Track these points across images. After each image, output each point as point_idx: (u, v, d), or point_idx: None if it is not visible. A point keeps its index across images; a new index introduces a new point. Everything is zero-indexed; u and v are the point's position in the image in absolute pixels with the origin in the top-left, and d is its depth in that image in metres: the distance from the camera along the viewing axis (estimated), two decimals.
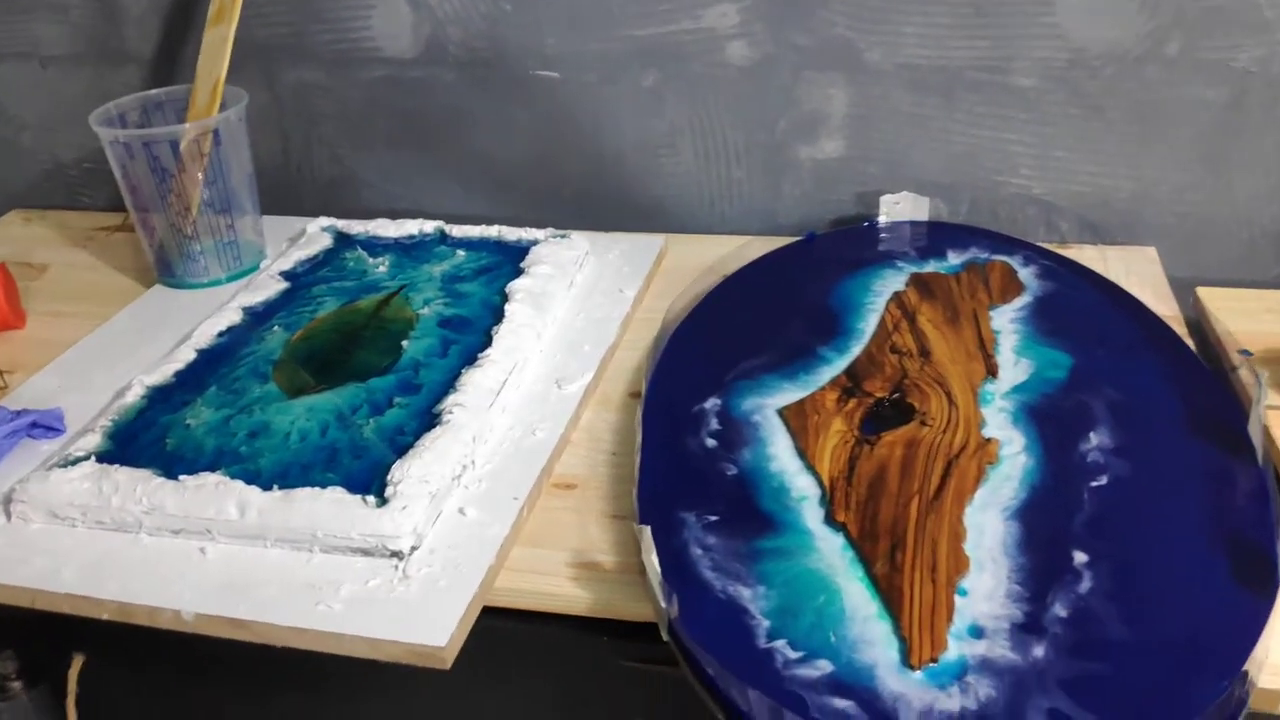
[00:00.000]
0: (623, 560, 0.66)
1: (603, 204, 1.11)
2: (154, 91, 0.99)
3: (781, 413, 0.74)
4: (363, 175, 1.15)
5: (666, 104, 1.05)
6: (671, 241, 1.03)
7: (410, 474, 0.67)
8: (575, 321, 0.89)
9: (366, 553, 0.65)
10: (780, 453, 0.70)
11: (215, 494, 0.67)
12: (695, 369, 0.80)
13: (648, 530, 0.60)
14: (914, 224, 0.99)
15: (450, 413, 0.73)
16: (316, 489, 0.67)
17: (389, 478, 0.68)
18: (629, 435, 0.77)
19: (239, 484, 0.67)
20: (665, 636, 0.60)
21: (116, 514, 0.68)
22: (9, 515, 0.70)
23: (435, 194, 1.14)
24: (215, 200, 0.95)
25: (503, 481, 0.71)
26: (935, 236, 0.96)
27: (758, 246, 1.02)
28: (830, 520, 0.64)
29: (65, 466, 0.71)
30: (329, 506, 0.66)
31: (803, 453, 0.70)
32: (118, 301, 0.99)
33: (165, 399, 0.79)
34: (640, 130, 1.07)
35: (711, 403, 0.76)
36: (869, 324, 0.84)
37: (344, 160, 1.15)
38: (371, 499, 0.66)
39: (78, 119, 1.00)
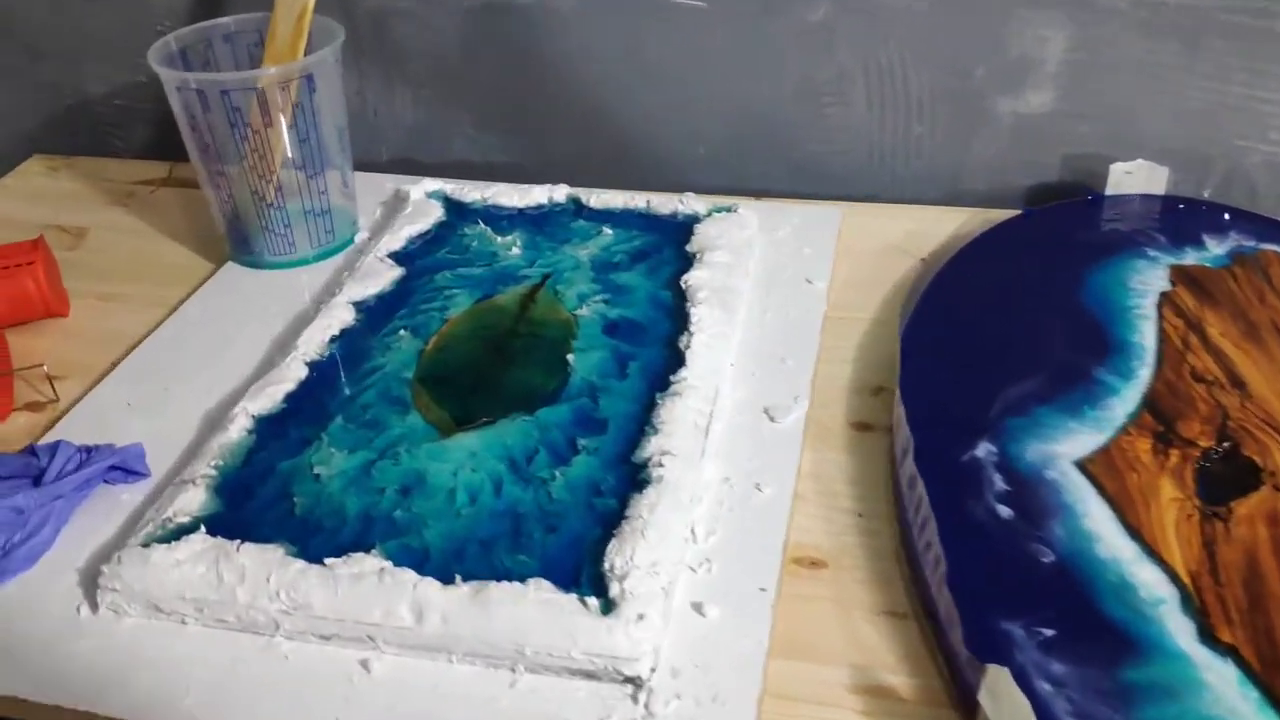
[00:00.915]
0: (922, 684, 0.50)
1: (746, 161, 0.93)
2: (223, 20, 0.80)
3: (1084, 467, 0.58)
4: (455, 123, 0.96)
5: (838, 42, 0.87)
6: (845, 212, 0.85)
7: (636, 561, 0.51)
8: (764, 325, 0.72)
9: (591, 675, 0.49)
10: (1102, 528, 0.54)
11: (380, 590, 0.50)
12: (946, 398, 0.63)
13: (1006, 674, 0.44)
14: (1147, 199, 0.82)
15: (660, 465, 0.57)
16: (515, 586, 0.50)
17: (607, 565, 0.51)
18: (868, 485, 0.61)
19: (408, 574, 0.51)
20: None
21: (244, 611, 0.51)
22: (95, 605, 0.53)
23: (544, 149, 0.96)
24: (305, 160, 0.76)
25: (737, 561, 0.55)
26: (1182, 217, 0.79)
27: (950, 222, 0.85)
28: (1210, 639, 0.49)
29: (166, 540, 0.54)
30: (537, 612, 0.49)
31: (1134, 530, 0.54)
32: (180, 281, 0.81)
33: (279, 433, 0.61)
34: (803, 73, 0.88)
35: (985, 450, 0.59)
36: (1147, 337, 0.67)
37: (431, 104, 0.96)
38: (592, 601, 0.49)
39: (109, 48, 0.81)
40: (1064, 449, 0.59)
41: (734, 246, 0.75)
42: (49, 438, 0.65)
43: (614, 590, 0.50)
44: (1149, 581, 0.51)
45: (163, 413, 0.66)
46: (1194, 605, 0.50)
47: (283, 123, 0.74)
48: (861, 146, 0.91)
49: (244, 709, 0.49)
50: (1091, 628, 0.50)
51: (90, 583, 0.54)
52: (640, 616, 0.49)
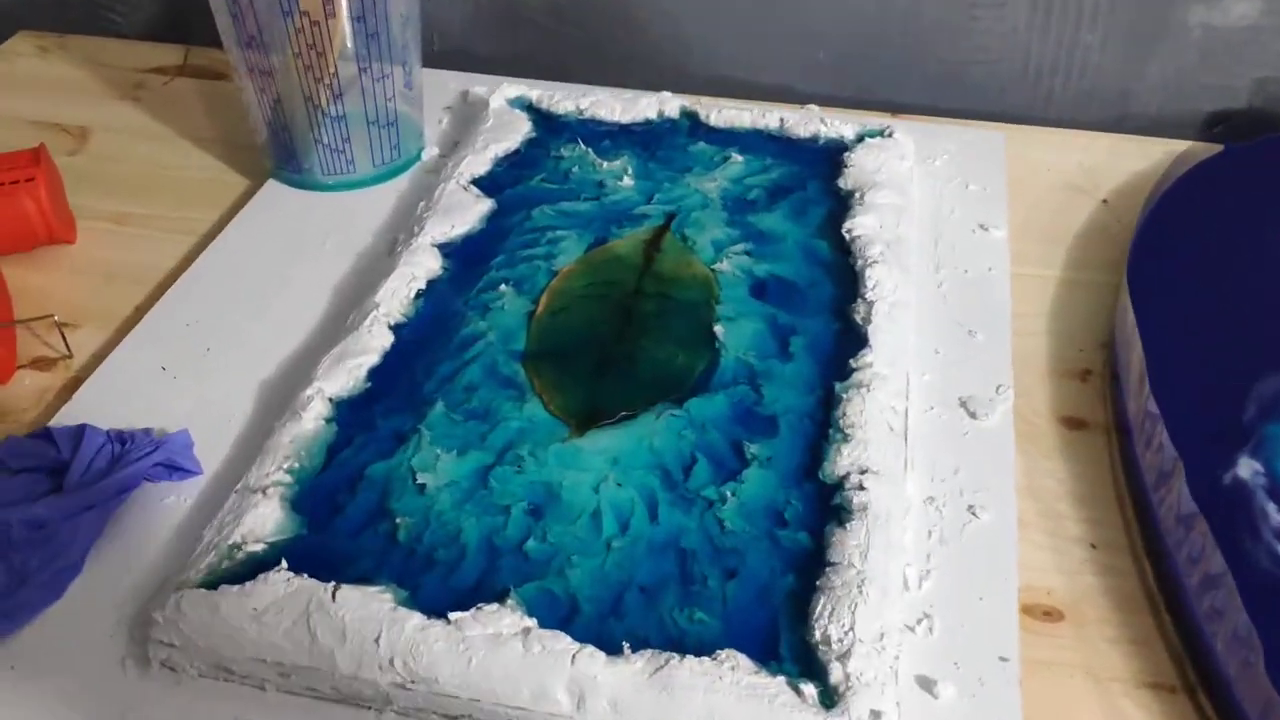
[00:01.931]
0: None
1: (873, 69, 0.79)
2: None
3: None
4: (523, 6, 0.80)
5: None
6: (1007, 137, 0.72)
7: (859, 633, 0.39)
8: (939, 282, 0.59)
9: None
10: None
11: (528, 662, 0.38)
12: (1195, 400, 0.51)
13: None
14: None
15: (861, 488, 0.44)
16: (705, 663, 0.38)
17: (818, 635, 0.39)
18: (1096, 505, 0.49)
19: (562, 641, 0.39)
20: None
21: (345, 683, 0.39)
22: (145, 661, 0.41)
23: (626, 47, 0.80)
24: (368, 56, 0.61)
25: (962, 618, 0.43)
26: None
27: (1126, 153, 0.72)
28: None
29: (237, 577, 0.41)
30: (739, 704, 0.37)
31: None
32: (208, 201, 0.67)
33: (364, 422, 0.48)
34: None
35: (1249, 468, 0.47)
36: None
37: None
38: (810, 690, 0.37)
39: None
40: None
41: (897, 183, 0.62)
42: (66, 409, 0.51)
43: (835, 674, 0.38)
44: None
45: (206, 381, 0.53)
46: None
47: (344, 8, 0.59)
48: (1016, 58, 0.77)
49: None
50: None
51: (136, 625, 0.42)
52: (875, 714, 0.37)
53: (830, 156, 0.64)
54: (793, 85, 0.79)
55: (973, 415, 0.51)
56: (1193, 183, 0.65)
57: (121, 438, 0.47)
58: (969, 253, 0.61)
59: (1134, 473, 0.49)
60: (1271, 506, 0.46)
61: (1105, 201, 0.68)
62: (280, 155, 0.65)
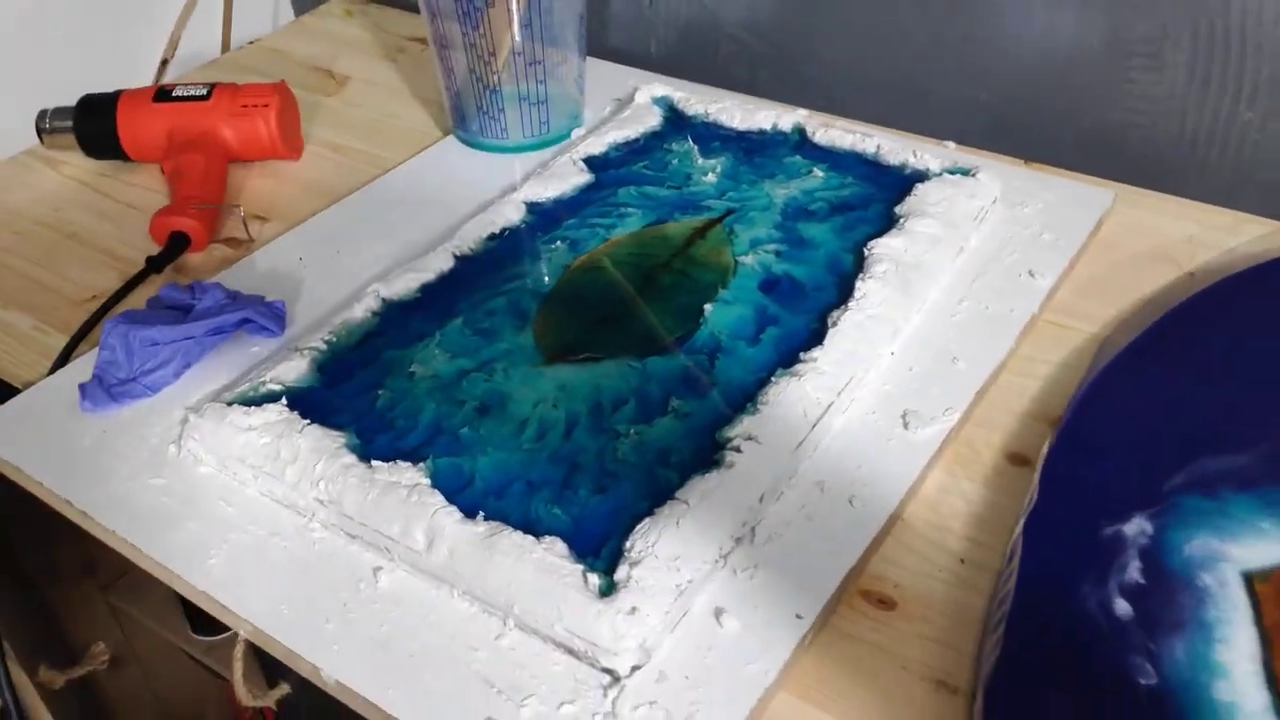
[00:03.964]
0: None
1: (1026, 120, 0.81)
2: None
3: (1252, 581, 0.46)
4: (727, 23, 0.90)
5: None
6: (1119, 197, 0.72)
7: (658, 550, 0.46)
8: (951, 314, 0.62)
9: (573, 653, 0.46)
10: (1236, 662, 0.43)
11: (403, 507, 0.49)
12: (1121, 452, 0.52)
13: None
14: None
15: (738, 450, 0.51)
16: (528, 540, 0.47)
17: (627, 545, 0.47)
18: (993, 532, 0.52)
19: (436, 500, 0.49)
20: None
21: (289, 491, 0.52)
22: (179, 448, 0.56)
23: (809, 73, 0.88)
24: (529, 46, 0.74)
25: (789, 576, 0.49)
26: None
27: (1250, 237, 0.69)
28: None
29: (251, 403, 0.55)
30: (534, 576, 0.46)
31: (1276, 679, 0.42)
32: (405, 145, 0.82)
33: (401, 322, 0.61)
34: (1111, 25, 0.75)
35: (1136, 527, 0.48)
36: None
37: (708, 6, 0.90)
38: (594, 579, 0.45)
39: None
40: (1239, 553, 0.47)
41: (952, 218, 0.65)
42: (225, 276, 0.68)
43: (621, 573, 0.46)
44: None
45: (324, 275, 0.68)
46: None
47: (512, 4, 0.72)
48: (1171, 123, 0.76)
49: (253, 582, 0.50)
50: None
51: (183, 431, 0.57)
52: (634, 610, 0.44)
53: (906, 185, 0.69)
54: (950, 126, 0.82)
55: (906, 426, 0.55)
56: (1274, 266, 0.64)
57: (233, 296, 0.63)
58: (1002, 294, 0.64)
59: None
60: (1136, 564, 0.47)
61: (1192, 274, 0.67)
62: (456, 116, 0.79)
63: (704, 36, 0.92)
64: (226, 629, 0.93)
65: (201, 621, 0.92)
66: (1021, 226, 0.69)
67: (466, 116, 0.78)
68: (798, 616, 0.47)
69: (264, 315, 0.62)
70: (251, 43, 0.99)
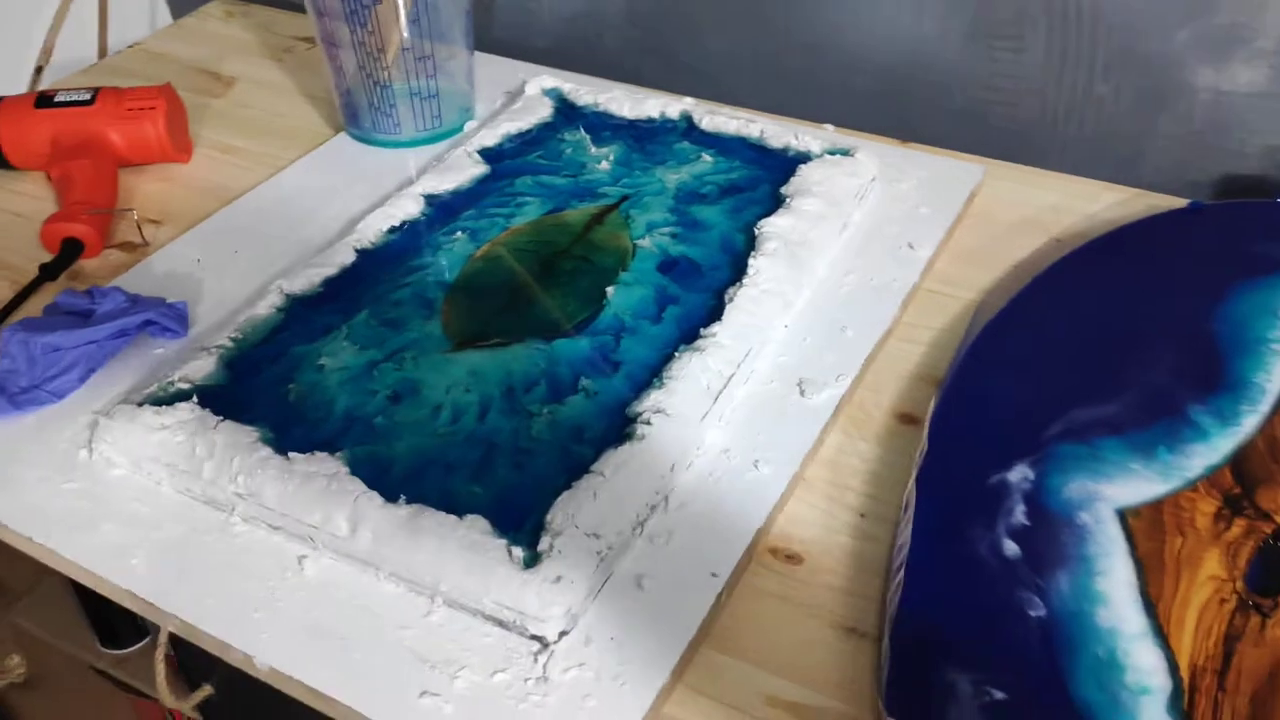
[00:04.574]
0: (852, 716, 0.46)
1: (899, 102, 0.85)
2: None
3: (1125, 516, 0.50)
4: (610, 15, 0.92)
5: None
6: (988, 171, 0.76)
7: (578, 521, 0.48)
8: (839, 286, 0.66)
9: (501, 624, 0.47)
10: (1115, 590, 0.47)
11: (326, 495, 0.50)
12: (1001, 407, 0.56)
13: None
14: None
15: (648, 423, 0.53)
16: (450, 519, 0.49)
17: (548, 518, 0.49)
18: (888, 487, 0.55)
19: (356, 486, 0.50)
20: None
21: (207, 487, 0.52)
22: (90, 452, 0.56)
23: (692, 62, 0.90)
24: (418, 42, 0.75)
25: (702, 538, 0.51)
26: None
27: (1106, 201, 0.74)
28: None
29: (161, 402, 0.55)
30: (460, 553, 0.47)
31: (1151, 602, 0.47)
32: (297, 143, 0.82)
33: (306, 317, 0.62)
34: (974, 9, 0.79)
35: (1019, 474, 0.52)
36: (1273, 379, 0.57)
37: None
38: (519, 552, 0.47)
39: None
40: (1112, 492, 0.51)
41: (834, 196, 0.69)
42: (123, 280, 0.68)
43: (544, 544, 0.48)
44: (1142, 665, 0.44)
45: (223, 275, 0.68)
46: (1182, 706, 0.43)
47: (399, 2, 0.73)
48: (1033, 102, 0.81)
49: (177, 578, 0.50)
50: (1054, 703, 0.43)
51: (94, 429, 0.57)
52: (559, 579, 0.46)
53: (790, 166, 0.72)
54: (827, 110, 0.86)
55: (802, 394, 0.59)
56: (1138, 229, 0.69)
57: (134, 299, 0.63)
58: (885, 266, 0.67)
59: None
60: (1020, 508, 0.51)
61: (1057, 240, 0.72)
62: (347, 114, 0.80)
63: (589, 28, 0.94)
64: (138, 640, 0.93)
65: (112, 634, 0.90)
66: (899, 202, 0.73)
67: (358, 113, 0.79)
68: (713, 575, 0.50)
69: (167, 316, 0.62)
70: (131, 47, 0.97)
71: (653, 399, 0.55)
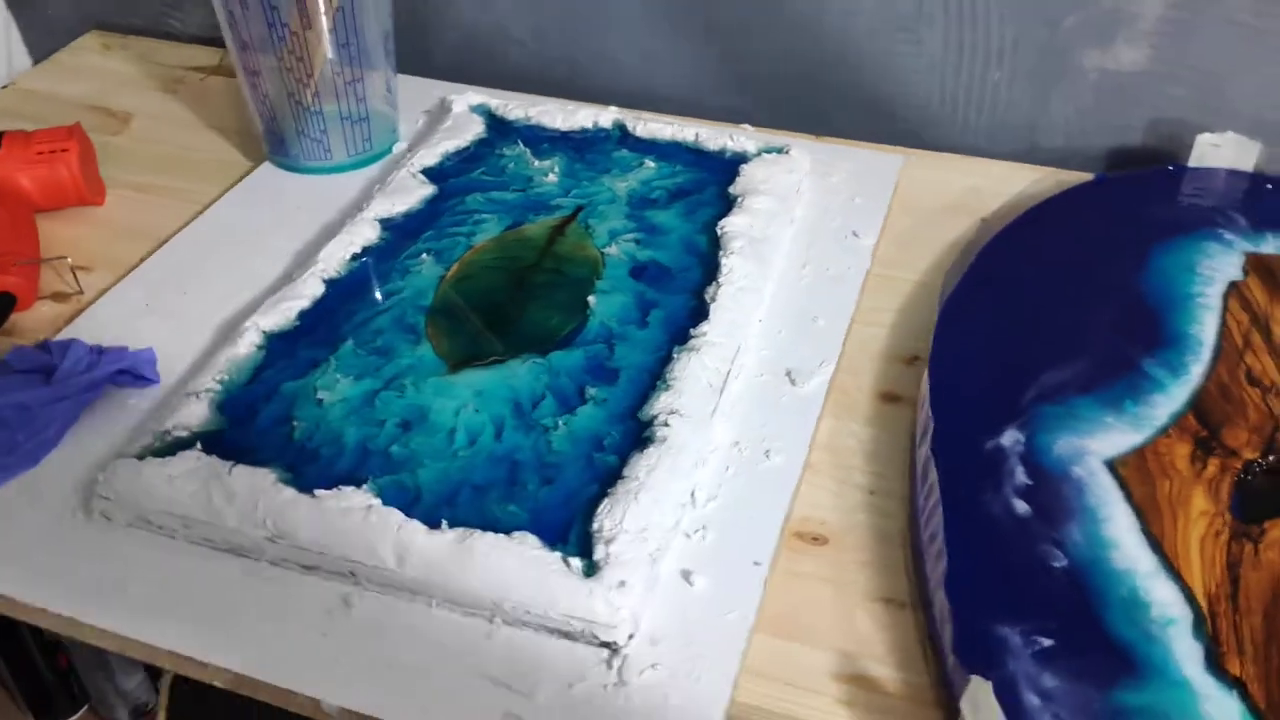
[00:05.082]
0: (909, 679, 0.48)
1: (811, 98, 0.88)
2: None
3: (1114, 468, 0.55)
4: (515, 30, 0.93)
5: None
6: (907, 160, 0.81)
7: (625, 525, 0.49)
8: (798, 278, 0.69)
9: (567, 635, 0.48)
10: (1122, 536, 0.51)
11: (365, 528, 0.49)
12: (978, 377, 0.60)
13: (988, 688, 0.42)
14: (1233, 176, 0.76)
15: (666, 424, 0.55)
16: (501, 538, 0.49)
17: (596, 526, 0.50)
18: (886, 462, 0.59)
19: (395, 516, 0.50)
20: None
21: (231, 535, 0.51)
22: (89, 512, 0.53)
23: (604, 68, 0.92)
24: (345, 64, 0.74)
25: (735, 530, 0.53)
26: (1268, 199, 0.74)
27: (1019, 180, 0.80)
28: (1217, 669, 0.46)
29: (162, 453, 0.53)
30: (519, 567, 0.48)
31: (1156, 541, 0.51)
32: (216, 178, 0.80)
33: (288, 352, 0.60)
34: (879, 8, 0.83)
35: (1011, 438, 0.56)
36: (1206, 330, 0.63)
37: (493, 7, 0.92)
38: (576, 563, 0.48)
39: None
40: (1096, 445, 0.56)
41: (780, 192, 0.72)
42: (68, 332, 0.65)
43: (599, 553, 0.49)
44: (1162, 600, 0.49)
45: (178, 317, 0.65)
46: (1206, 630, 0.47)
47: (324, 25, 0.72)
48: (934, 91, 0.86)
49: (222, 630, 0.48)
50: (1092, 642, 0.47)
51: (87, 488, 0.55)
52: (622, 583, 0.47)
53: (731, 167, 0.74)
54: (740, 108, 0.89)
55: (793, 383, 0.61)
56: (1055, 204, 0.74)
57: (99, 350, 0.60)
58: (836, 255, 0.71)
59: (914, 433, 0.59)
60: (1020, 469, 0.55)
61: (984, 220, 0.77)
62: (272, 142, 0.78)
63: (491, 44, 0.94)
64: (74, 711, 0.88)
65: (45, 708, 0.85)
66: (833, 194, 0.76)
67: (286, 141, 0.77)
68: (755, 564, 0.51)
69: (139, 364, 0.59)
70: (4, 87, 0.92)
71: (663, 401, 0.56)
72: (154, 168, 0.81)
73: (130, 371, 0.59)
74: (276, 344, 0.61)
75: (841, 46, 0.85)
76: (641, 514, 0.50)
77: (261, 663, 0.47)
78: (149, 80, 0.93)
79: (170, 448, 0.54)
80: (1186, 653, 0.47)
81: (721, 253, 0.66)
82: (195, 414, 0.56)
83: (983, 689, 0.43)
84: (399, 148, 0.81)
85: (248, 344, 0.60)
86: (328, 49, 0.73)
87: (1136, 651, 0.47)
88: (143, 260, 0.71)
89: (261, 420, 0.56)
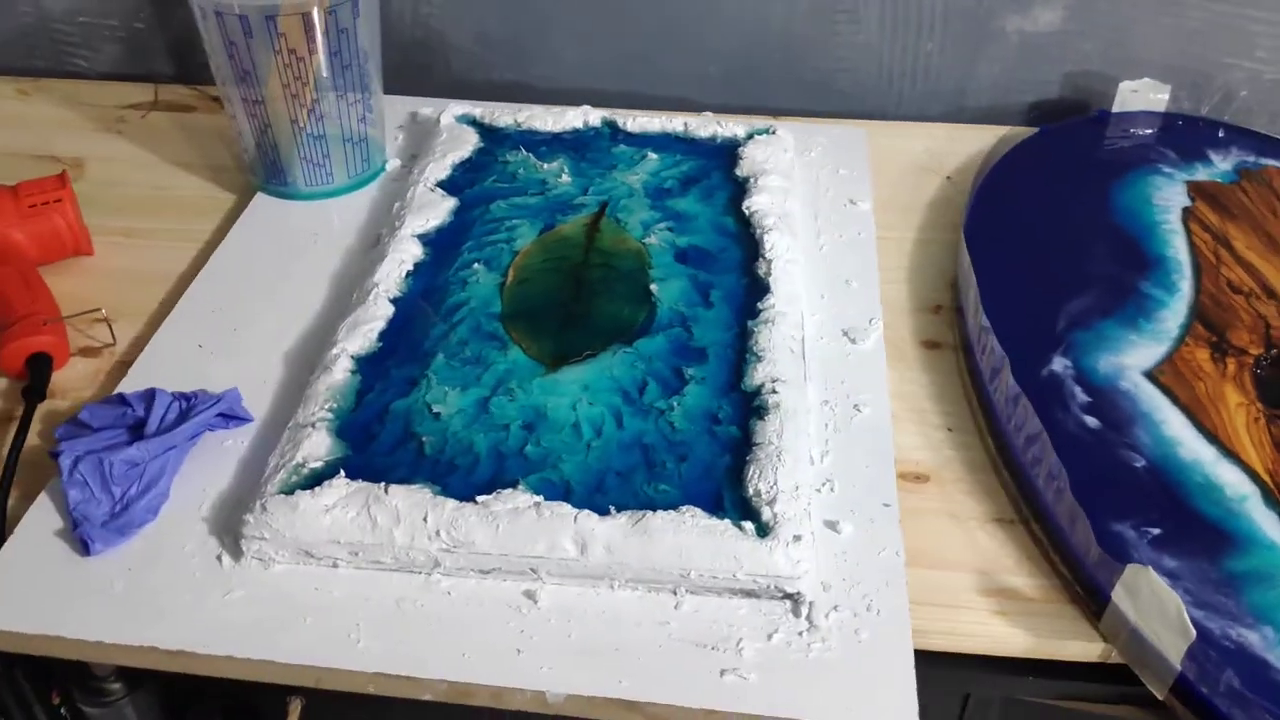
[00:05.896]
0: (1043, 584, 0.55)
1: (756, 80, 0.94)
2: None
3: (1154, 377, 0.62)
4: (454, 39, 0.94)
5: None
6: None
7: (780, 486, 0.53)
8: (818, 247, 0.74)
9: (750, 594, 0.52)
10: (1180, 434, 0.59)
11: (541, 524, 0.51)
12: (1019, 315, 0.67)
13: (1149, 572, 0.49)
14: (1151, 116, 0.86)
15: (774, 391, 0.59)
16: (671, 515, 0.52)
17: (752, 491, 0.54)
18: (951, 402, 0.65)
19: (565, 508, 0.52)
20: (1162, 696, 0.49)
21: (402, 552, 0.52)
22: (238, 555, 0.53)
23: (546, 64, 0.94)
24: (345, 85, 0.74)
25: (856, 479, 0.58)
26: (1184, 134, 0.84)
27: (964, 139, 0.88)
28: None
29: (306, 486, 0.53)
30: (699, 538, 0.51)
31: (1210, 433, 0.59)
32: (204, 214, 0.78)
33: (380, 373, 0.61)
34: None
35: (1061, 364, 0.63)
36: (1180, 251, 0.72)
37: (430, 21, 0.93)
38: (748, 526, 0.52)
39: None
40: (1131, 360, 0.64)
41: (782, 170, 0.77)
42: (124, 383, 0.63)
43: (765, 515, 0.52)
44: (1231, 480, 0.57)
45: (241, 355, 0.65)
46: (1275, 499, 0.55)
47: (320, 45, 0.71)
48: (871, 65, 0.93)
49: (419, 645, 0.50)
50: (1191, 525, 0.54)
51: (225, 531, 0.54)
52: (797, 537, 0.51)
53: (727, 151, 0.79)
54: (689, 96, 0.93)
55: (853, 341, 0.66)
56: (1014, 157, 0.82)
57: (185, 396, 0.59)
58: (842, 222, 0.76)
59: (975, 374, 0.65)
60: (1078, 389, 0.62)
61: (949, 178, 0.84)
62: (268, 171, 0.77)
63: (431, 54, 0.95)
64: None
65: None
66: (817, 168, 0.82)
67: (285, 168, 0.76)
68: (885, 505, 0.56)
69: (230, 405, 0.59)
70: None
71: (762, 371, 0.60)
72: (132, 211, 0.79)
73: (226, 413, 0.58)
74: (366, 367, 0.61)
75: (784, 30, 0.91)
76: (788, 474, 0.54)
77: (470, 669, 0.49)
78: (86, 122, 0.89)
79: (311, 479, 0.54)
80: (1266, 520, 0.55)
81: (758, 230, 0.70)
82: (320, 445, 0.56)
83: (1144, 575, 0.49)
84: (391, 165, 0.81)
85: (342, 370, 0.60)
86: (323, 68, 0.73)
87: (1226, 526, 0.54)
88: (167, 305, 0.69)
89: (384, 441, 0.57)
